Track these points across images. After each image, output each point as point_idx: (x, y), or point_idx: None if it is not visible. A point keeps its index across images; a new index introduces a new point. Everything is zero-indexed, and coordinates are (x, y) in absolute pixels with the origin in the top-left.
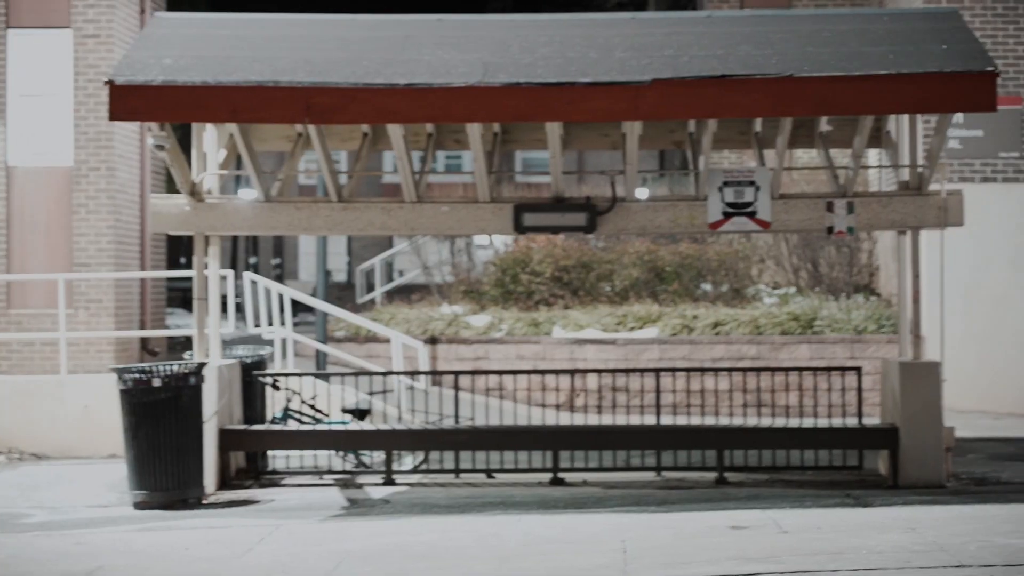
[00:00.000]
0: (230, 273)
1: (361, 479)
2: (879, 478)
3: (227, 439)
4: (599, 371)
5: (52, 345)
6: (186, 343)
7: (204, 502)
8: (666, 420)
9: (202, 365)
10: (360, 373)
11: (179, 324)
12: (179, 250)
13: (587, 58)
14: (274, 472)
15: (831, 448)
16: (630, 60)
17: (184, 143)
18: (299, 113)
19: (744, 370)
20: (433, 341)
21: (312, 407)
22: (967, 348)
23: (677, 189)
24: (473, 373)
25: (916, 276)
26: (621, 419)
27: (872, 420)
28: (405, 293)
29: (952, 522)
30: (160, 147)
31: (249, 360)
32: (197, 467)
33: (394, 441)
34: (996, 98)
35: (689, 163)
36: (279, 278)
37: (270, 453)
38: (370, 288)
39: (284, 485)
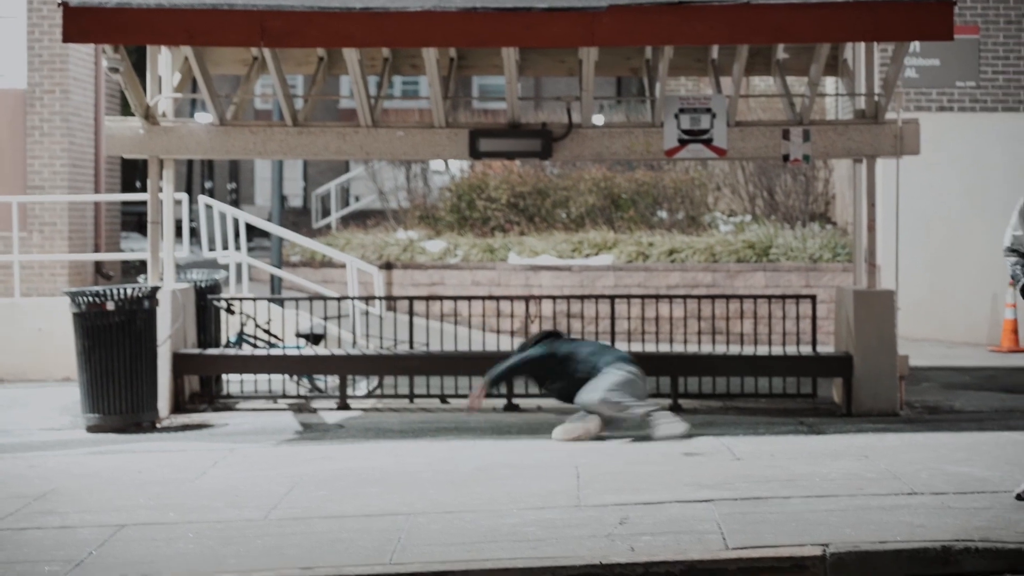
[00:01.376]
0: (185, 197)
1: (315, 404)
2: (833, 406)
3: (181, 363)
4: (554, 297)
5: (5, 268)
6: (140, 267)
7: (158, 426)
8: (621, 347)
9: (156, 289)
10: (315, 298)
11: (133, 248)
12: (134, 174)
13: None
14: (228, 396)
15: (785, 376)
16: None
17: (139, 66)
18: (254, 36)
19: (699, 297)
20: (388, 266)
21: (266, 331)
22: (922, 277)
23: (633, 116)
24: (428, 299)
25: (872, 205)
26: None
27: (826, 348)
28: (361, 218)
29: (905, 450)
30: (114, 69)
31: (203, 284)
32: (151, 391)
33: (348, 366)
34: (953, 27)
35: (646, 90)
36: (234, 203)
37: (224, 377)
38: (326, 213)
39: (238, 409)
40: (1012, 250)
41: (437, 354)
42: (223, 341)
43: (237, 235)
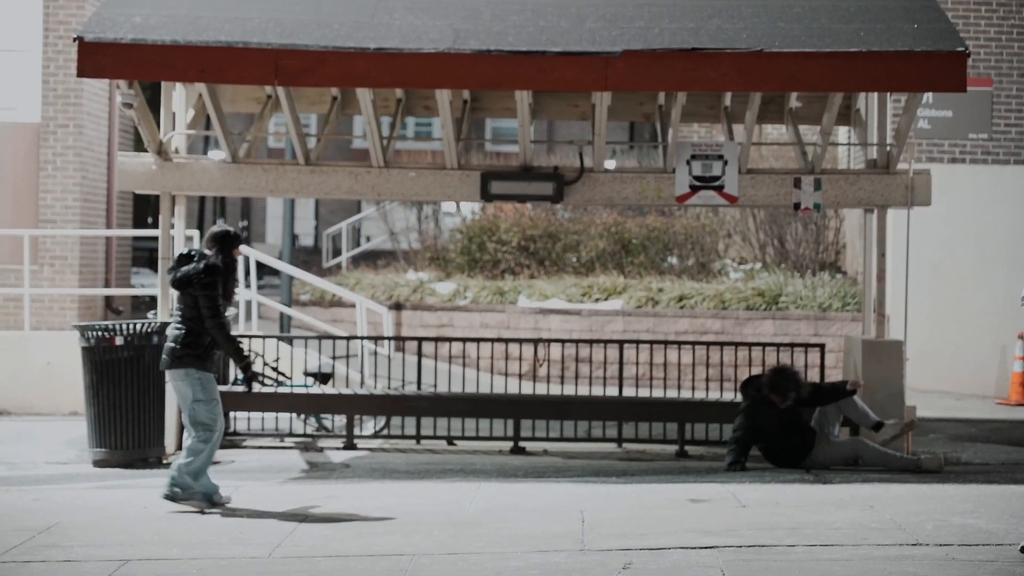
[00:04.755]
0: (196, 233)
1: (322, 443)
2: None
3: None
4: (563, 341)
5: (16, 301)
6: (150, 303)
7: (164, 461)
8: (628, 392)
9: (165, 324)
10: (324, 337)
11: (144, 283)
12: (146, 210)
13: (558, 27)
14: (235, 434)
15: None
16: (601, 30)
17: (153, 102)
18: (268, 74)
19: (708, 344)
20: (398, 307)
21: (275, 370)
22: (931, 328)
23: (645, 161)
24: (437, 340)
25: (882, 255)
26: (584, 390)
27: None
28: (371, 259)
29: (911, 500)
30: (128, 105)
31: None
32: (158, 427)
33: (356, 406)
34: (966, 79)
35: (658, 136)
36: (246, 240)
37: (232, 414)
38: (336, 253)
39: (245, 447)
40: None
41: (445, 395)
42: (231, 378)
43: (247, 273)
